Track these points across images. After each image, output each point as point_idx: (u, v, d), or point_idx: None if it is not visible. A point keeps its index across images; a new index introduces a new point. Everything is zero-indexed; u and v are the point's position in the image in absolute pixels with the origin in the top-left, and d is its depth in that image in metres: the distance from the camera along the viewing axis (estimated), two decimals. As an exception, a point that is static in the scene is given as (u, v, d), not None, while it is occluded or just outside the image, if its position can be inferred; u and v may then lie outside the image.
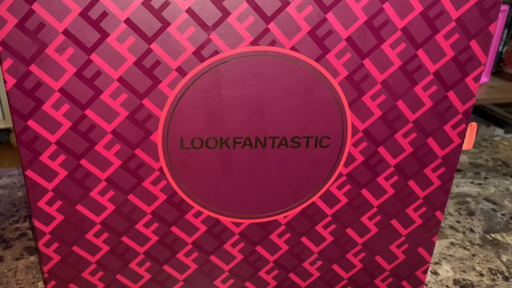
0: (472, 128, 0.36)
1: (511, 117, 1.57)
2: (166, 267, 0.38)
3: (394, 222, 0.38)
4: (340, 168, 0.35)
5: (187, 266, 0.38)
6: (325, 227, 0.38)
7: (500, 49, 1.57)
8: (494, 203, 0.60)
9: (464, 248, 0.51)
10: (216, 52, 0.30)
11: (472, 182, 0.66)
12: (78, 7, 0.28)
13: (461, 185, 0.64)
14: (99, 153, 0.32)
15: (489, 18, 0.31)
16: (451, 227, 0.54)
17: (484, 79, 1.52)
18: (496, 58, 1.58)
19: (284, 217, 0.37)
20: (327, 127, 0.33)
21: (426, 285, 0.45)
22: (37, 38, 0.28)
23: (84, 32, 0.28)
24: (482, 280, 0.45)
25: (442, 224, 0.55)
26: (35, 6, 0.27)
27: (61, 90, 0.30)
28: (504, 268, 0.47)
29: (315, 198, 0.36)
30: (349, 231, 0.38)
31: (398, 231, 0.39)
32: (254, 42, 0.30)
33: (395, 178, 0.36)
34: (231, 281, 0.39)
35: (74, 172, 0.32)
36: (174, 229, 0.36)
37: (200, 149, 0.33)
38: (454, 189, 0.63)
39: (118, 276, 0.37)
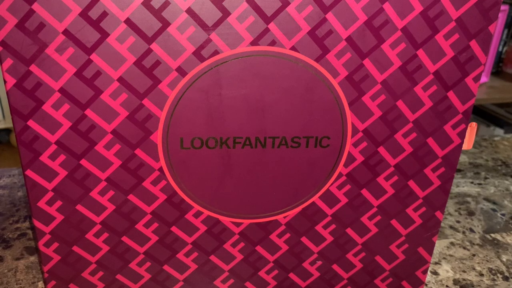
0: (472, 128, 0.36)
1: (511, 117, 1.57)
2: (166, 267, 0.38)
3: (394, 222, 0.38)
4: (340, 168, 0.35)
5: (187, 266, 0.38)
6: (325, 227, 0.38)
7: (500, 49, 1.57)
8: (494, 203, 0.60)
9: (464, 248, 0.51)
10: (216, 52, 0.30)
11: (472, 182, 0.66)
12: (78, 7, 0.28)
13: (461, 185, 0.64)
14: (99, 153, 0.32)
15: (489, 18, 0.31)
16: (451, 227, 0.54)
17: (484, 79, 1.52)
18: (496, 58, 1.58)
19: (284, 217, 0.37)
20: (327, 127, 0.33)
21: (426, 285, 0.45)
22: (37, 38, 0.28)
23: (84, 32, 0.28)
24: (482, 280, 0.45)
25: (442, 224, 0.55)
26: (35, 6, 0.27)
27: (61, 90, 0.30)
28: (504, 268, 0.47)
29: (315, 198, 0.36)
30: (349, 231, 0.38)
31: (398, 231, 0.39)
32: (254, 42, 0.30)
33: (395, 178, 0.36)
34: (231, 281, 0.39)
35: (74, 172, 0.32)
36: (174, 229, 0.36)
37: (200, 149, 0.33)
38: (454, 189, 0.63)
39: (118, 276, 0.37)
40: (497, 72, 1.63)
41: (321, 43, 0.31)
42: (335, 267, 0.40)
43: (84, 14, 0.28)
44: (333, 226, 0.38)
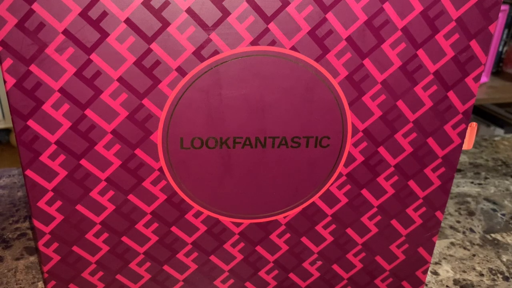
0: (472, 128, 0.36)
1: (511, 117, 1.57)
2: (166, 267, 0.38)
3: (394, 222, 0.38)
4: (340, 168, 0.35)
5: (187, 266, 0.38)
6: (325, 227, 0.38)
7: (500, 49, 1.57)
8: (494, 203, 0.60)
9: (464, 248, 0.51)
10: (216, 52, 0.30)
11: (472, 182, 0.66)
12: (78, 7, 0.28)
13: (461, 185, 0.64)
14: (99, 153, 0.32)
15: (489, 18, 0.31)
16: (451, 227, 0.54)
17: (484, 79, 1.52)
18: (496, 58, 1.58)
19: (284, 217, 0.37)
20: (327, 127, 0.33)
21: (426, 285, 0.45)
22: (37, 38, 0.28)
23: (84, 32, 0.28)
24: (482, 280, 0.45)
25: (442, 224, 0.55)
26: (35, 6, 0.27)
27: (61, 90, 0.30)
28: (504, 268, 0.47)
29: (315, 198, 0.36)
30: (349, 231, 0.38)
31: (398, 231, 0.39)
32: (254, 42, 0.30)
33: (395, 178, 0.36)
34: (231, 281, 0.39)
35: (74, 172, 0.32)
36: (174, 229, 0.36)
37: (200, 149, 0.33)
38: (454, 189, 0.63)
39: (118, 276, 0.37)
40: (497, 72, 1.63)
41: (321, 43, 0.31)
42: (335, 267, 0.40)
43: (84, 14, 0.28)
44: (333, 226, 0.38)
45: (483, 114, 1.65)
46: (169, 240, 0.36)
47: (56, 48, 0.29)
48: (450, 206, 0.59)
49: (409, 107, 0.33)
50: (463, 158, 0.73)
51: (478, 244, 0.51)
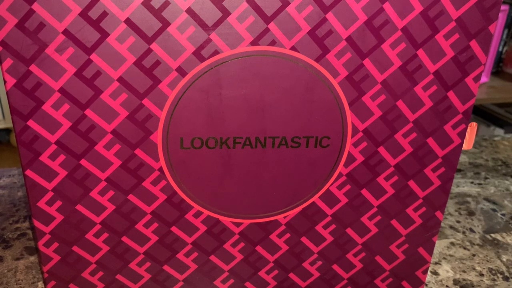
0: (472, 128, 0.36)
1: (511, 117, 1.57)
2: (166, 267, 0.38)
3: (394, 222, 0.38)
4: (340, 168, 0.35)
5: (187, 266, 0.38)
6: (325, 227, 0.38)
7: (500, 49, 1.57)
8: (494, 203, 0.60)
9: (464, 248, 0.51)
10: (216, 52, 0.30)
11: (472, 182, 0.66)
12: (78, 7, 0.28)
13: (461, 185, 0.64)
14: (99, 153, 0.32)
15: (489, 18, 0.31)
16: (451, 227, 0.54)
17: (484, 79, 1.52)
18: (496, 58, 1.58)
19: (284, 217, 0.37)
20: (327, 127, 0.33)
21: (426, 285, 0.45)
22: (37, 38, 0.28)
23: (84, 32, 0.28)
24: (482, 280, 0.45)
25: (442, 224, 0.55)
26: (35, 6, 0.27)
27: (61, 90, 0.30)
28: (504, 268, 0.47)
29: (315, 198, 0.36)
30: (349, 231, 0.38)
31: (398, 231, 0.39)
32: (254, 42, 0.30)
33: (395, 178, 0.36)
34: (231, 281, 0.39)
35: (74, 172, 0.32)
36: (174, 229, 0.36)
37: (200, 149, 0.33)
38: (454, 189, 0.63)
39: (118, 276, 0.37)
40: (497, 72, 1.63)
41: (321, 43, 0.31)
42: (335, 267, 0.40)
43: (84, 14, 0.28)
44: (333, 226, 0.38)
45: (483, 114, 1.65)
46: (169, 240, 0.36)
47: (56, 48, 0.29)
48: (450, 206, 0.59)
49: (409, 107, 0.33)
50: (463, 158, 0.73)
51: (478, 244, 0.51)
